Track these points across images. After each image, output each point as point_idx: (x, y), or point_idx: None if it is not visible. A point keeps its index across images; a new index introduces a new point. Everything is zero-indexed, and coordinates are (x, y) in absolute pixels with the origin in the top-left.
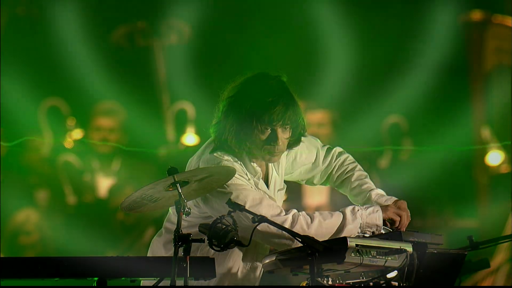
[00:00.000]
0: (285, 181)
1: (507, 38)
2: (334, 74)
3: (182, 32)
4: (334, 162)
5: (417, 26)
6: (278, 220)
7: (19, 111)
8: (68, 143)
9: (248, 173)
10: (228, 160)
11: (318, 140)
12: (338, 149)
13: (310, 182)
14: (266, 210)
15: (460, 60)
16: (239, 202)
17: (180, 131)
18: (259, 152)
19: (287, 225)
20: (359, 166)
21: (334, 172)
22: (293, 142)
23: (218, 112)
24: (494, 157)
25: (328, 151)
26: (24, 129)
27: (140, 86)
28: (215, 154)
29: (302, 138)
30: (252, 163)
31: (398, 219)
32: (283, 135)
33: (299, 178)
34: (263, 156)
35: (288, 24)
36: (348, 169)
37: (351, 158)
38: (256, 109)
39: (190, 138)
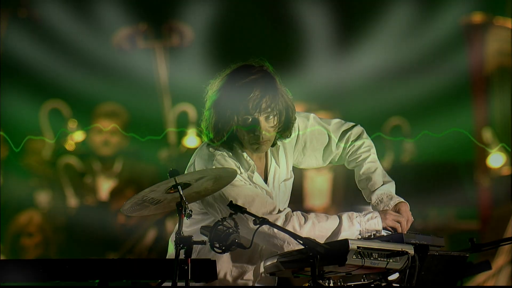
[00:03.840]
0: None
1: (508, 40)
2: (335, 75)
3: (183, 34)
4: (348, 147)
5: (418, 27)
6: (270, 219)
7: (20, 113)
8: (69, 145)
9: (241, 167)
10: (220, 154)
11: (333, 122)
12: (354, 132)
13: (330, 163)
14: (258, 208)
15: (461, 62)
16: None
17: (182, 133)
18: (247, 143)
19: (279, 224)
20: (372, 156)
21: (347, 158)
22: (283, 130)
23: (205, 109)
24: (496, 159)
25: (343, 134)
26: (25, 131)
27: (142, 88)
28: (210, 149)
29: (314, 122)
30: (245, 156)
31: (398, 226)
32: (267, 124)
33: (317, 165)
34: (251, 147)
35: (291, 25)
36: (359, 159)
37: (367, 144)
38: (233, 100)
39: (191, 140)
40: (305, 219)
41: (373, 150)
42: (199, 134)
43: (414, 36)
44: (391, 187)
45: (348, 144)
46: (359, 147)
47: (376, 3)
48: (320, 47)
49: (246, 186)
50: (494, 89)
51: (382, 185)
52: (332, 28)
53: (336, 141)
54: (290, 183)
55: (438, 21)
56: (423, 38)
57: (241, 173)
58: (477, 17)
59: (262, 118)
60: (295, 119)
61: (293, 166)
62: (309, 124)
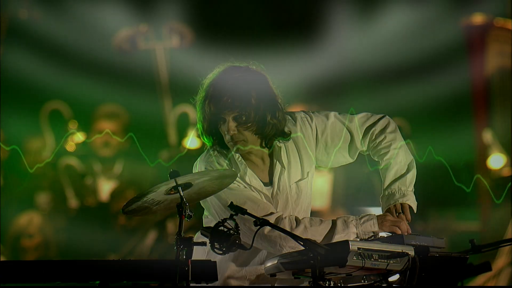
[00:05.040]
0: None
1: (508, 41)
2: (336, 75)
3: (184, 35)
4: (371, 143)
5: (419, 29)
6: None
7: (21, 115)
8: (70, 146)
9: (233, 168)
10: (214, 156)
11: (358, 117)
12: (378, 127)
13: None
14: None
15: (461, 63)
16: (222, 203)
17: (182, 134)
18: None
19: (268, 227)
20: (390, 153)
21: (371, 152)
22: (260, 129)
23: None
24: (496, 160)
25: (367, 130)
26: (25, 133)
27: (142, 89)
28: (208, 151)
29: (335, 120)
30: (237, 157)
31: (396, 230)
32: (235, 123)
33: (347, 161)
34: (230, 146)
35: (292, 26)
36: (379, 154)
37: (388, 139)
38: (200, 101)
39: (192, 141)
40: (296, 223)
41: (394, 145)
42: (200, 136)
43: (415, 38)
44: (401, 184)
45: (372, 139)
46: (380, 143)
47: (378, 5)
48: (320, 47)
49: (239, 189)
50: (495, 90)
51: (390, 184)
52: (332, 27)
53: (360, 137)
54: (305, 184)
55: (439, 23)
56: (424, 40)
57: None
58: (478, 19)
59: (230, 118)
60: (277, 119)
61: (322, 167)
62: (329, 124)
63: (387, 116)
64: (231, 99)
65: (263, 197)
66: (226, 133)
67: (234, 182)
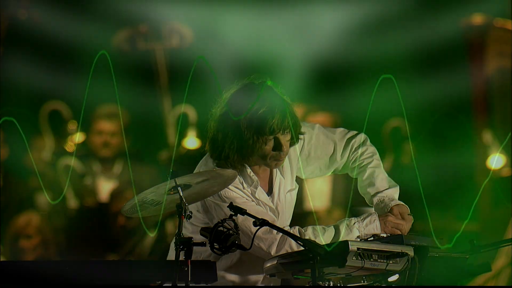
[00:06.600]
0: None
1: (508, 42)
2: (335, 77)
3: (183, 35)
4: (352, 155)
5: (418, 29)
6: (266, 241)
7: (20, 115)
8: (70, 146)
9: (244, 182)
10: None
11: (338, 131)
12: (358, 139)
13: (334, 172)
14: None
15: (461, 63)
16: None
17: (182, 134)
18: (265, 161)
19: (275, 246)
20: (374, 162)
21: (351, 165)
22: (296, 139)
23: (212, 129)
24: (496, 161)
25: (348, 142)
26: (25, 133)
27: (142, 90)
28: (215, 163)
29: (319, 132)
30: (248, 172)
31: (398, 232)
32: (285, 139)
33: (321, 174)
34: (269, 164)
35: (290, 28)
36: (362, 164)
37: (370, 151)
38: (255, 124)
39: (191, 141)
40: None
41: (376, 156)
42: (199, 136)
43: (414, 38)
44: (394, 192)
45: (352, 151)
46: (362, 154)
47: (379, 5)
48: (319, 47)
49: (247, 204)
50: (495, 91)
51: (385, 189)
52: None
53: (341, 150)
54: (294, 194)
55: (439, 23)
56: (423, 40)
57: (243, 188)
58: (478, 19)
59: (282, 136)
60: (301, 125)
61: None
62: (314, 134)
63: (363, 133)
64: (291, 117)
65: (268, 210)
66: (280, 150)
67: (242, 196)
